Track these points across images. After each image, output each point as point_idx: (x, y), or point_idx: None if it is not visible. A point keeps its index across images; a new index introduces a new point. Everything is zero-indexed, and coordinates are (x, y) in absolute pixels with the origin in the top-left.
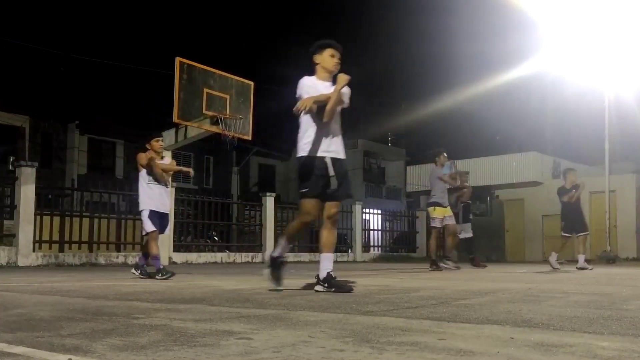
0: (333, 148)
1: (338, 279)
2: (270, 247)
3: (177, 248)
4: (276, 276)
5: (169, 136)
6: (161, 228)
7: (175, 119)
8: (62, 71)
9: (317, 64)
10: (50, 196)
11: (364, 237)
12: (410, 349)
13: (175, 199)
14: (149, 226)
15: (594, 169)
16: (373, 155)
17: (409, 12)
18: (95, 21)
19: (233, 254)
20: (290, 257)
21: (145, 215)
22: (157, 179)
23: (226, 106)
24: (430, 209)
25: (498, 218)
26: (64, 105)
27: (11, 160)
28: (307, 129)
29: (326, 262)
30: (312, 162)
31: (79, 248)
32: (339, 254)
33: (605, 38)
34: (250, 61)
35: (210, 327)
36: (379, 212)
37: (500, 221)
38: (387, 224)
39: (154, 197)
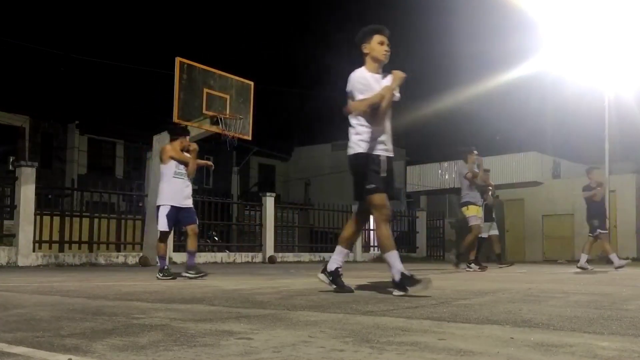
0: (387, 146)
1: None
2: (270, 247)
3: (177, 248)
4: (424, 283)
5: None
6: (184, 221)
7: (175, 119)
8: (62, 71)
9: (366, 54)
10: (50, 196)
11: (364, 237)
12: (410, 349)
13: None
14: (162, 225)
15: None
16: None
17: (409, 12)
18: (95, 21)
19: (233, 254)
20: (290, 257)
21: (163, 212)
22: (187, 173)
23: (226, 106)
24: (464, 208)
25: (498, 218)
26: (64, 105)
27: (11, 160)
28: (361, 126)
29: (338, 257)
30: (370, 159)
31: (79, 248)
32: None
33: (605, 38)
34: (250, 61)
35: (210, 327)
36: None
37: (500, 221)
38: None
39: (176, 191)
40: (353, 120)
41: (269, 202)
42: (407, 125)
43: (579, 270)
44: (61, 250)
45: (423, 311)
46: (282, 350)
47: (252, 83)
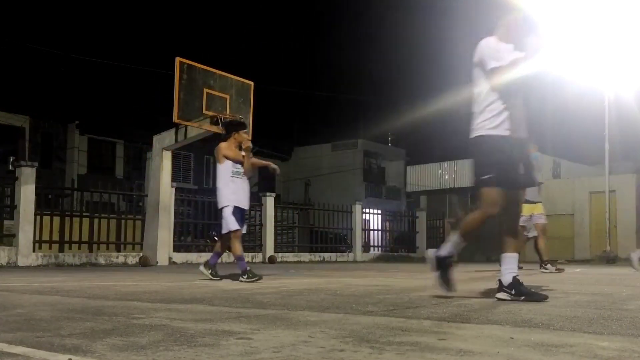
0: (519, 127)
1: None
2: (270, 247)
3: (177, 248)
4: (445, 280)
5: (169, 136)
6: (241, 225)
7: (175, 119)
8: (62, 71)
9: (504, 25)
10: (50, 196)
11: (364, 237)
12: (410, 349)
13: (175, 199)
14: (233, 224)
15: (594, 169)
16: (373, 155)
17: (409, 12)
18: (95, 21)
19: None
20: (290, 257)
21: (229, 212)
22: (244, 173)
23: (226, 106)
24: None
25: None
26: (64, 105)
27: (11, 160)
28: (490, 103)
29: (510, 264)
30: (497, 143)
31: (79, 248)
32: (338, 254)
33: (605, 38)
34: (250, 61)
35: (210, 327)
36: (379, 212)
37: None
38: (387, 224)
39: (238, 191)
40: (479, 99)
41: (269, 202)
42: (407, 125)
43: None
44: (61, 250)
45: (423, 311)
46: (282, 350)
47: (252, 83)
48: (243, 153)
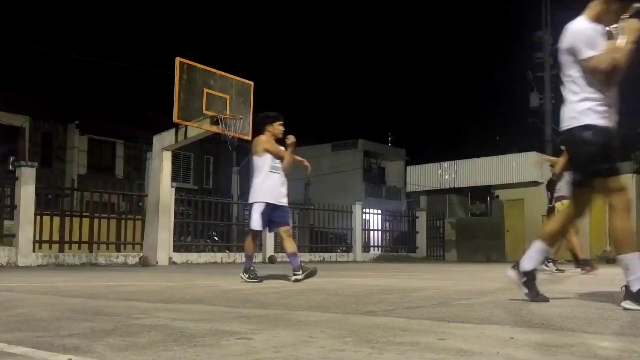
0: (614, 117)
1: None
2: (270, 247)
3: (177, 248)
4: None
5: (169, 136)
6: (276, 222)
7: (175, 119)
8: (62, 71)
9: (600, 8)
10: (50, 196)
11: (364, 237)
12: (410, 349)
13: (175, 199)
14: (255, 223)
15: None
16: (373, 155)
17: (410, 12)
18: (96, 21)
19: (233, 254)
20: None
21: (257, 210)
22: (283, 169)
23: (226, 106)
24: (558, 204)
25: (498, 218)
26: (64, 105)
27: (11, 160)
28: (589, 92)
29: (537, 255)
30: (603, 132)
31: (79, 248)
32: (339, 254)
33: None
34: (250, 61)
35: (210, 327)
36: (379, 212)
37: (500, 221)
38: (387, 224)
39: (273, 187)
40: (573, 87)
41: None
42: (407, 125)
43: None
44: (61, 250)
45: (423, 311)
46: (282, 350)
47: (252, 83)
48: (282, 148)
